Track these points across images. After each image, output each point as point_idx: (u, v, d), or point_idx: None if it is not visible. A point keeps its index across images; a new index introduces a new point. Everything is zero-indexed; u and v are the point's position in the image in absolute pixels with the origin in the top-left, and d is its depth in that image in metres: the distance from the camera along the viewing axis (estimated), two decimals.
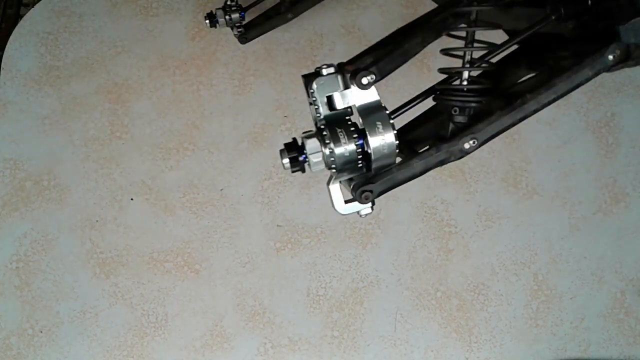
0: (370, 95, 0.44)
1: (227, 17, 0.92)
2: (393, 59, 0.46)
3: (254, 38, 0.97)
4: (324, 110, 0.45)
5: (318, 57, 1.08)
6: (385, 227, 1.08)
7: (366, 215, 0.47)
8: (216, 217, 1.07)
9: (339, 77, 0.44)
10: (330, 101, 0.44)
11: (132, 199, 1.07)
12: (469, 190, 1.10)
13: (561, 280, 1.10)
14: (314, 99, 0.44)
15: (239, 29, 0.95)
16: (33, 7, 1.10)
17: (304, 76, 0.45)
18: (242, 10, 0.93)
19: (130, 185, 1.07)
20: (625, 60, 0.47)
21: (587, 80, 0.47)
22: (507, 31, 0.60)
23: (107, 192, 1.07)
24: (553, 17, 0.52)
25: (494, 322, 1.09)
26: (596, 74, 0.47)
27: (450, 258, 1.09)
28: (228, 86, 1.09)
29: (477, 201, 1.10)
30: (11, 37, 1.09)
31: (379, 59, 0.46)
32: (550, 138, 1.13)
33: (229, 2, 0.92)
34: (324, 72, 0.44)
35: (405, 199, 1.08)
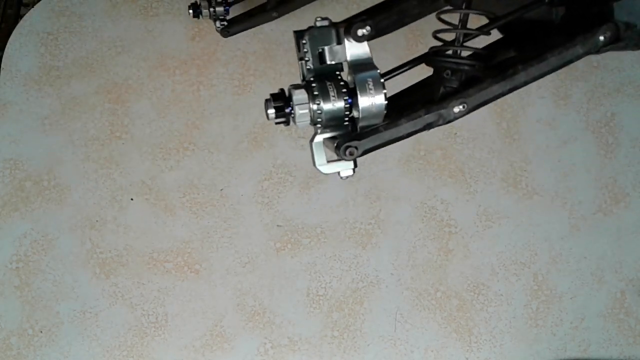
0: (362, 53, 0.43)
1: (211, 9, 0.92)
2: (389, 16, 0.45)
3: (236, 33, 0.97)
4: (314, 63, 0.43)
5: None
6: (385, 227, 1.08)
7: (346, 177, 0.45)
8: (216, 217, 1.07)
9: (333, 31, 0.43)
10: (321, 56, 0.43)
11: (132, 199, 1.07)
12: (469, 190, 1.10)
13: (561, 280, 1.10)
14: (305, 51, 0.43)
15: (222, 23, 0.94)
16: (33, 7, 1.10)
17: (295, 32, 0.44)
18: (228, 4, 0.93)
19: (130, 185, 1.07)
20: (615, 41, 0.47)
21: (578, 57, 0.47)
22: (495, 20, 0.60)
23: (107, 192, 1.07)
24: (546, 1, 0.52)
25: (494, 322, 1.08)
26: (586, 53, 0.47)
27: (450, 258, 1.09)
28: (228, 86, 1.09)
29: (477, 201, 1.10)
30: (11, 37, 1.09)
31: (375, 14, 0.45)
32: (550, 138, 1.13)
33: None
34: (318, 24, 0.43)
35: (405, 199, 1.08)
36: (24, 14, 1.10)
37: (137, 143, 1.08)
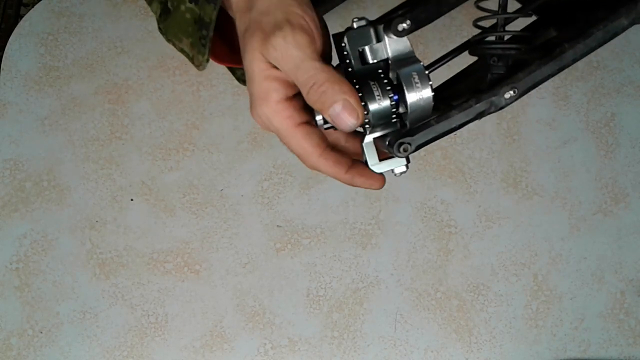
0: (403, 48, 0.41)
1: None
2: (427, 8, 0.43)
3: None
4: (356, 65, 0.42)
5: None
6: (385, 228, 1.08)
7: (401, 173, 0.45)
8: (216, 218, 1.07)
9: (371, 30, 0.42)
10: (362, 56, 0.42)
11: (132, 200, 1.07)
12: (469, 190, 1.10)
13: (561, 281, 1.10)
14: (345, 53, 0.42)
15: None
16: (33, 7, 1.10)
17: (333, 35, 0.43)
18: None
19: (130, 185, 1.07)
20: None
21: (623, 29, 0.46)
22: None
23: (107, 192, 1.07)
24: None
25: (494, 323, 1.08)
26: (632, 24, 0.45)
27: (450, 258, 1.09)
28: (228, 86, 1.09)
29: (477, 201, 1.10)
30: (11, 38, 1.09)
31: (414, 7, 0.43)
32: (550, 138, 1.13)
33: None
34: (355, 24, 0.42)
35: (405, 200, 1.08)
36: (24, 14, 1.10)
37: (137, 143, 1.08)
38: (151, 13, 1.10)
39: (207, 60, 0.49)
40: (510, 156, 1.12)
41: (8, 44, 1.09)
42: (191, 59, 0.51)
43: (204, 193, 1.08)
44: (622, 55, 1.15)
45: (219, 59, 0.53)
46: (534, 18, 0.57)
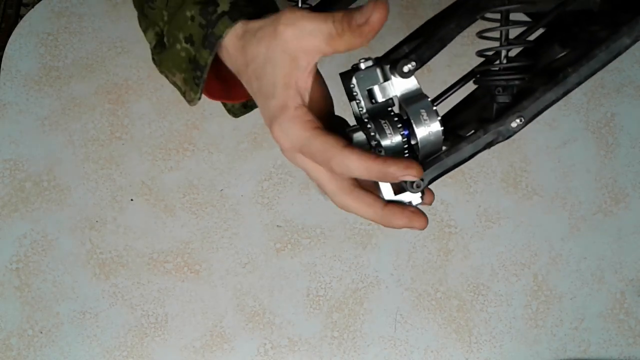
0: (410, 85, 0.43)
1: None
2: (431, 45, 0.44)
3: None
4: (365, 104, 0.44)
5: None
6: (385, 228, 1.08)
7: (417, 205, 0.46)
8: (216, 218, 1.07)
9: (378, 70, 0.43)
10: (370, 95, 0.43)
11: (132, 200, 1.07)
12: (469, 190, 1.10)
13: (561, 281, 1.10)
14: (355, 93, 0.44)
15: None
16: (33, 7, 1.10)
17: (341, 74, 0.45)
18: None
19: (130, 185, 1.07)
20: None
21: (626, 48, 0.46)
22: (530, 15, 0.59)
23: (107, 192, 1.07)
24: None
25: (494, 323, 1.08)
26: (634, 42, 0.46)
27: (450, 259, 1.09)
28: None
29: (477, 201, 1.10)
30: (11, 38, 1.09)
31: (417, 47, 0.44)
32: (550, 138, 1.13)
33: None
34: (362, 65, 0.43)
35: None
36: (24, 14, 1.10)
37: (137, 143, 1.08)
38: None
39: (199, 99, 0.50)
40: (510, 156, 1.12)
41: (8, 44, 1.09)
42: (183, 93, 0.52)
43: (204, 193, 1.08)
44: (622, 55, 1.15)
45: (212, 95, 0.54)
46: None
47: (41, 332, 1.04)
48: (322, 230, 1.08)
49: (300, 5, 0.73)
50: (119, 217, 1.06)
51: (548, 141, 1.13)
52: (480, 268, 1.10)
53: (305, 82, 0.42)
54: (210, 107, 1.09)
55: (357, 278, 1.08)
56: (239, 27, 0.44)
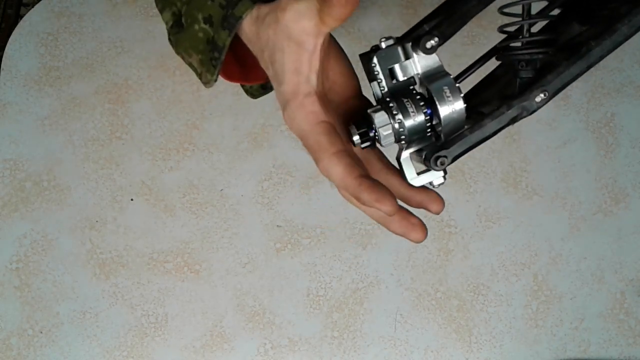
0: (432, 62, 0.42)
1: None
2: (453, 21, 0.44)
3: None
4: (387, 83, 0.43)
5: None
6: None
7: (439, 185, 0.46)
8: (216, 218, 1.07)
9: (399, 48, 0.42)
10: (392, 74, 0.43)
11: (132, 200, 1.07)
12: (469, 190, 1.10)
13: (561, 281, 1.10)
14: (376, 72, 0.43)
15: None
16: (33, 7, 1.10)
17: (361, 55, 0.44)
18: None
19: (130, 185, 1.07)
20: None
21: None
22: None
23: (107, 192, 1.07)
24: None
25: (494, 323, 1.08)
26: None
27: (450, 258, 1.09)
28: (228, 86, 1.09)
29: (477, 201, 1.10)
30: (11, 37, 1.09)
31: (440, 23, 0.44)
32: (550, 138, 1.13)
33: None
34: (383, 44, 0.42)
35: None
36: (24, 14, 1.10)
37: (137, 143, 1.08)
38: (151, 13, 1.10)
39: (216, 80, 0.49)
40: (510, 156, 1.12)
41: (8, 44, 1.09)
42: (199, 75, 0.51)
43: (204, 193, 1.08)
44: (622, 55, 1.15)
45: (230, 77, 0.53)
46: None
47: (41, 332, 1.04)
48: (322, 230, 1.08)
49: None
50: (119, 217, 1.06)
51: (548, 141, 1.13)
52: (480, 268, 1.10)
53: (314, 65, 0.42)
54: (211, 107, 1.09)
55: (357, 278, 1.08)
56: (254, 12, 0.43)
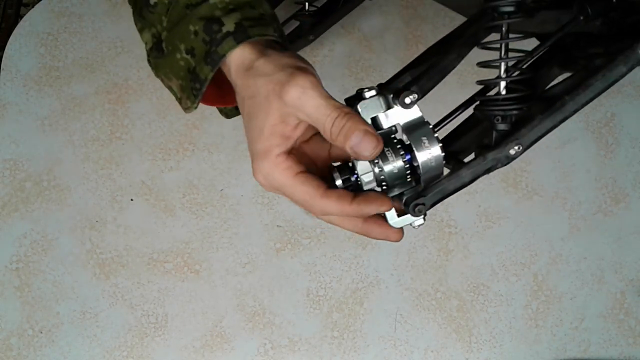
0: (413, 113, 0.44)
1: None
2: (432, 76, 0.47)
3: None
4: None
5: (318, 58, 1.08)
6: None
7: (419, 226, 0.48)
8: (216, 218, 1.07)
9: (381, 99, 0.45)
10: (374, 122, 0.45)
11: (132, 200, 1.07)
12: (469, 190, 1.10)
13: (561, 281, 1.10)
14: None
15: None
16: (33, 7, 1.10)
17: (346, 100, 0.46)
18: None
19: (130, 185, 1.07)
20: None
21: (622, 76, 0.48)
22: (536, 35, 0.60)
23: (107, 192, 1.07)
24: (581, 18, 0.52)
25: (494, 323, 1.09)
26: (630, 69, 0.47)
27: (450, 258, 1.09)
28: None
29: (477, 201, 1.10)
30: (11, 38, 1.09)
31: (419, 78, 0.46)
32: (550, 138, 1.12)
33: None
34: (367, 95, 0.44)
35: None
36: (24, 14, 1.10)
37: (137, 143, 1.08)
38: None
39: (196, 108, 0.51)
40: None
41: (8, 44, 1.09)
42: (178, 99, 0.53)
43: (204, 193, 1.08)
44: None
45: (207, 101, 0.55)
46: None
47: (41, 332, 1.04)
48: (322, 230, 1.08)
49: (307, 8, 0.73)
50: (119, 217, 1.06)
51: (548, 141, 1.12)
52: (480, 268, 1.10)
53: (292, 132, 0.43)
54: (211, 108, 1.09)
55: (357, 278, 1.08)
56: (247, 55, 0.44)
